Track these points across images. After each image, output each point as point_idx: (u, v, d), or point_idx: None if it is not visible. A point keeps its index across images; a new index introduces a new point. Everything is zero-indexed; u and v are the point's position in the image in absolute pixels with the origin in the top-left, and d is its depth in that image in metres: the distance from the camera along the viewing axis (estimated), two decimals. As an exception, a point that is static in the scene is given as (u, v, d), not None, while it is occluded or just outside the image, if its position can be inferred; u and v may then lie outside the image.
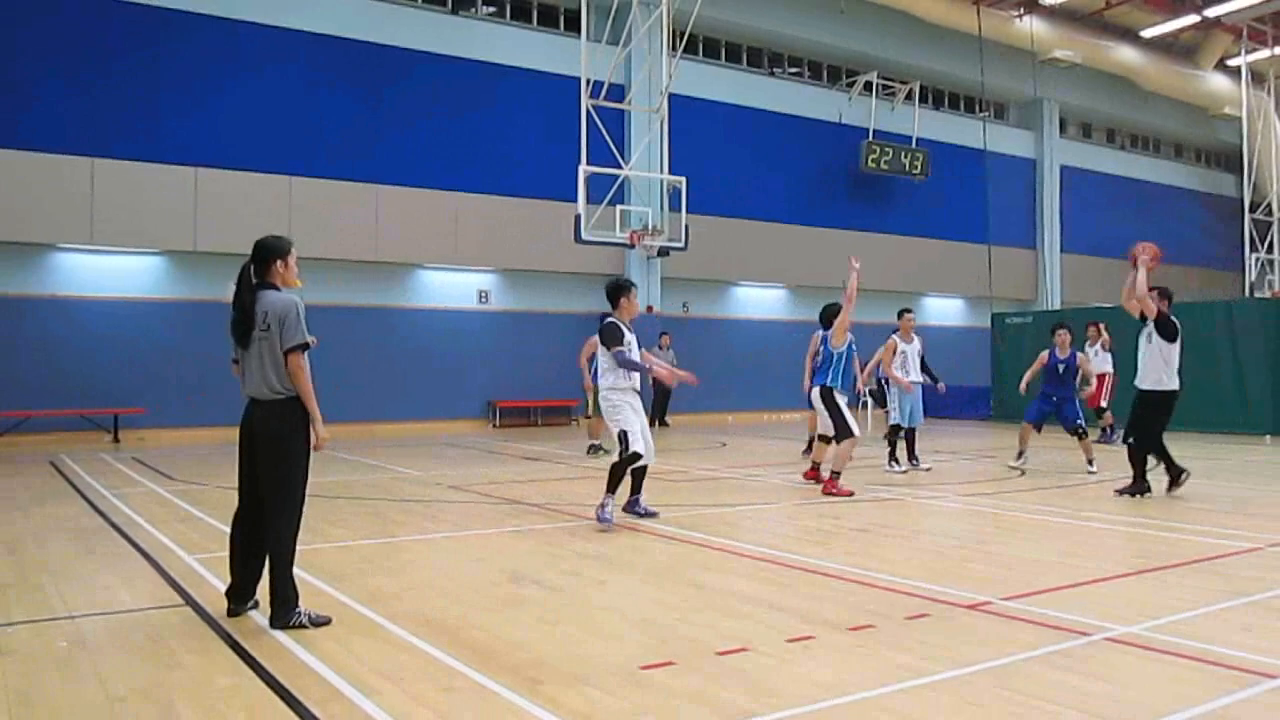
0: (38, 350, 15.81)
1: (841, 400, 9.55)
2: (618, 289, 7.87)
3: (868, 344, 17.44)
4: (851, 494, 9.36)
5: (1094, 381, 11.65)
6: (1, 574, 5.90)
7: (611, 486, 7.48)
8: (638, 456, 7.50)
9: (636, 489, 7.92)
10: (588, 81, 17.03)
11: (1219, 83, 30.04)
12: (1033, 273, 28.71)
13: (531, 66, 20.15)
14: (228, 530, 7.31)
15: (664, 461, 13.39)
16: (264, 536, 4.75)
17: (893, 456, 11.66)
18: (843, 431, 9.42)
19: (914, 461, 11.83)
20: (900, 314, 12.04)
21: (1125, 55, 27.83)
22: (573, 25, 19.74)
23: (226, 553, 4.98)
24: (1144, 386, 9.30)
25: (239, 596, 4.90)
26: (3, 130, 15.41)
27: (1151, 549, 6.75)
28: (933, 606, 5.02)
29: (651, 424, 20.46)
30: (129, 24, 16.46)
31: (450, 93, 19.39)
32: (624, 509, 7.83)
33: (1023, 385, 11.71)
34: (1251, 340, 16.97)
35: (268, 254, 4.86)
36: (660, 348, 20.55)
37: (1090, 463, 11.43)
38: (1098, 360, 15.89)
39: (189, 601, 5.22)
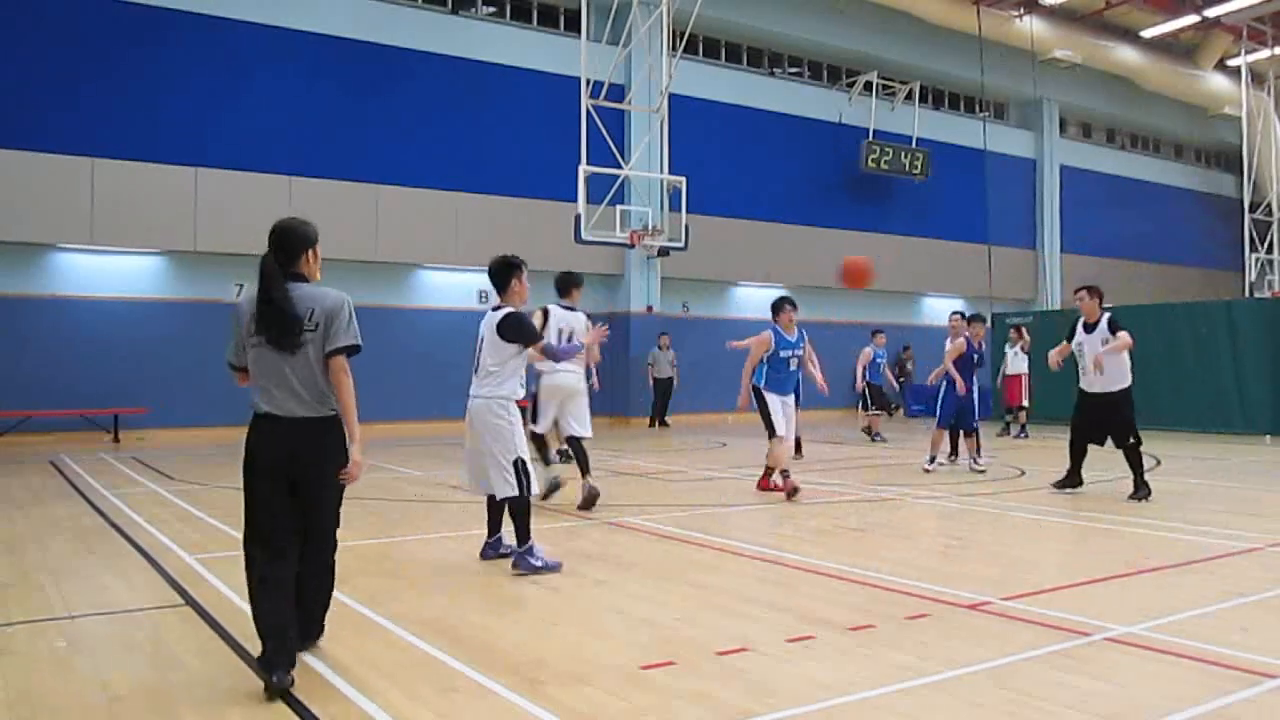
0: (38, 350, 15.80)
1: (773, 401, 9.38)
2: (513, 267, 6.23)
3: (864, 342, 17.53)
4: (794, 490, 9.08)
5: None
6: (1, 574, 5.90)
7: (528, 530, 5.97)
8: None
9: (498, 526, 6.45)
10: (588, 81, 17.03)
11: (1219, 83, 30.04)
12: (1032, 273, 28.71)
13: (531, 66, 20.15)
14: (229, 531, 7.36)
15: (664, 462, 13.40)
16: (311, 575, 4.09)
17: (953, 452, 12.17)
18: (770, 431, 9.33)
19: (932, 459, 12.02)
20: (951, 317, 12.40)
21: (1125, 55, 27.83)
22: (573, 25, 19.74)
23: (248, 600, 3.97)
24: (1120, 386, 9.14)
25: (284, 659, 3.75)
26: (3, 130, 15.41)
27: (1151, 549, 6.75)
28: (933, 606, 5.02)
29: (651, 424, 20.60)
30: (129, 24, 16.46)
31: (450, 93, 19.39)
32: (483, 554, 6.41)
33: (931, 378, 11.76)
34: (1251, 340, 16.98)
35: (298, 242, 4.08)
36: (660, 348, 20.54)
37: (974, 460, 11.48)
38: (1015, 361, 17.15)
39: (189, 601, 5.21)
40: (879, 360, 16.39)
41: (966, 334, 11.65)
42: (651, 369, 20.48)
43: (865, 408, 16.64)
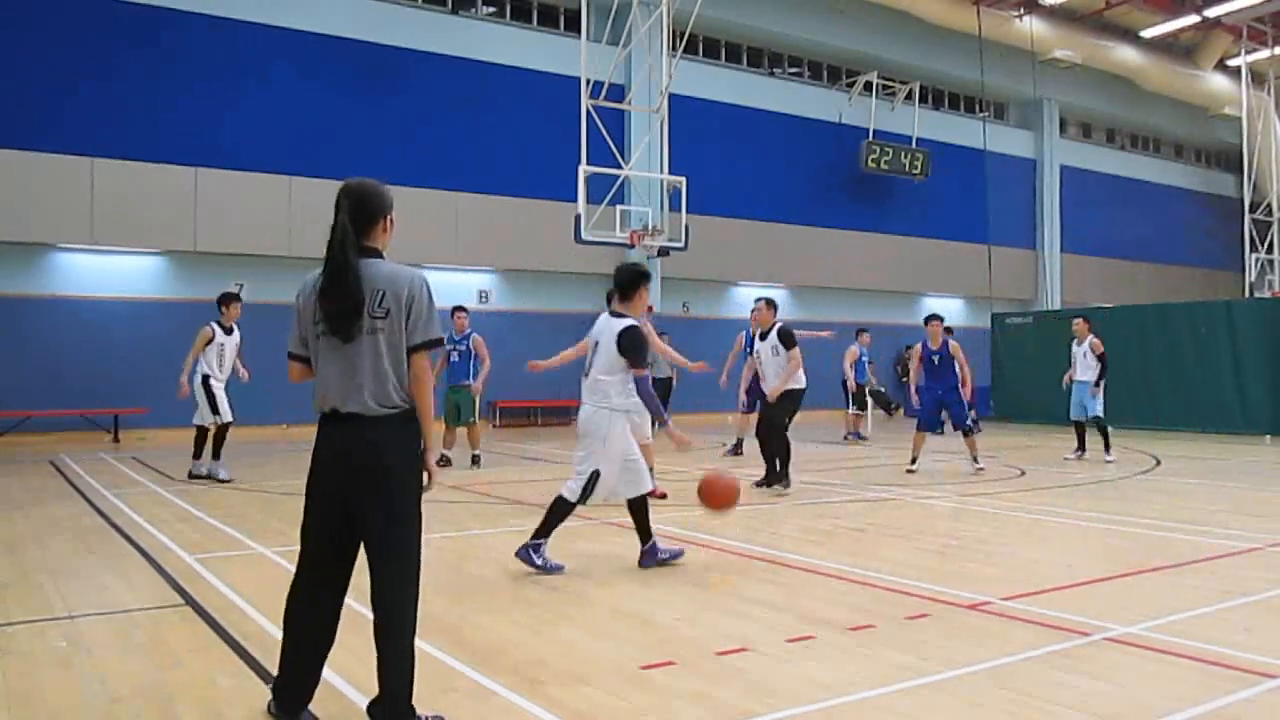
0: (38, 350, 15.80)
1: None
2: (644, 276, 6.18)
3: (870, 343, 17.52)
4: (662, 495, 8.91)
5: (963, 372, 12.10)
6: (1, 574, 5.90)
7: (549, 530, 5.92)
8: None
9: (648, 533, 6.14)
10: (588, 81, 17.03)
11: (1219, 83, 30.05)
12: (1032, 273, 28.71)
13: (531, 66, 20.15)
14: (229, 531, 7.36)
15: (664, 462, 13.39)
16: (381, 615, 3.36)
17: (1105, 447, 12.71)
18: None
19: (1079, 452, 12.83)
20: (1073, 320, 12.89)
21: (1125, 55, 27.83)
22: (573, 25, 19.74)
23: (274, 621, 3.98)
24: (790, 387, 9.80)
25: (295, 696, 3.46)
26: (3, 130, 15.41)
27: (1151, 549, 6.75)
28: (933, 606, 5.02)
29: (651, 425, 20.45)
30: (129, 24, 16.46)
31: (450, 93, 19.39)
32: (523, 555, 5.96)
33: (913, 386, 11.78)
34: (1251, 340, 16.97)
35: (377, 208, 3.40)
36: None
37: (975, 459, 11.46)
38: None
39: (189, 601, 5.21)
40: (864, 359, 16.40)
41: (925, 337, 11.76)
42: (651, 369, 20.41)
43: (849, 406, 16.71)
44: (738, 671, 3.96)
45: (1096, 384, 12.64)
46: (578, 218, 16.75)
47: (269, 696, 3.57)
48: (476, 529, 7.75)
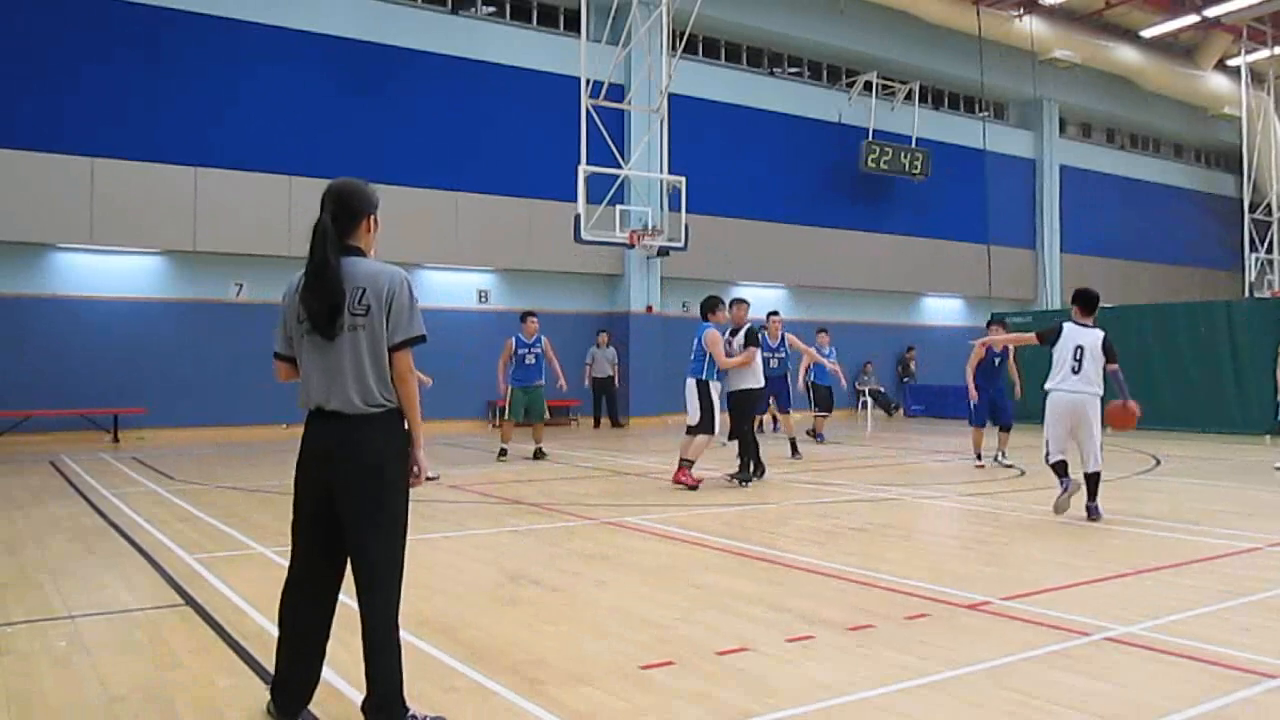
0: (38, 350, 15.79)
1: (714, 394, 10.03)
2: (1097, 299, 8.27)
3: (864, 342, 17.50)
4: (698, 484, 9.80)
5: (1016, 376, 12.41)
6: (1, 574, 5.90)
7: (1097, 491, 8.03)
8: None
9: (1067, 472, 8.10)
10: (588, 81, 17.03)
11: (1219, 83, 30.03)
12: (1032, 273, 28.71)
13: (531, 66, 20.14)
14: (229, 531, 7.36)
15: (663, 462, 13.38)
16: (365, 610, 3.42)
17: None
18: (705, 427, 9.88)
19: None
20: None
21: (1125, 55, 27.82)
22: (573, 25, 19.73)
23: (274, 621, 3.80)
24: (732, 388, 10.24)
25: (293, 697, 3.47)
26: (3, 130, 15.40)
27: (1151, 549, 6.76)
28: (933, 606, 5.02)
29: (596, 425, 20.32)
30: (129, 24, 16.46)
31: (450, 93, 19.38)
32: (1093, 512, 7.97)
33: (972, 385, 11.85)
34: (1251, 340, 16.96)
35: (360, 206, 3.43)
36: (598, 346, 20.36)
37: (1004, 454, 11.96)
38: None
39: (189, 601, 5.21)
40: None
41: (988, 338, 11.86)
42: (589, 368, 20.22)
43: (812, 407, 16.23)
44: (738, 671, 3.96)
45: None
46: (577, 218, 16.75)
47: (268, 697, 3.57)
48: (476, 529, 7.76)
